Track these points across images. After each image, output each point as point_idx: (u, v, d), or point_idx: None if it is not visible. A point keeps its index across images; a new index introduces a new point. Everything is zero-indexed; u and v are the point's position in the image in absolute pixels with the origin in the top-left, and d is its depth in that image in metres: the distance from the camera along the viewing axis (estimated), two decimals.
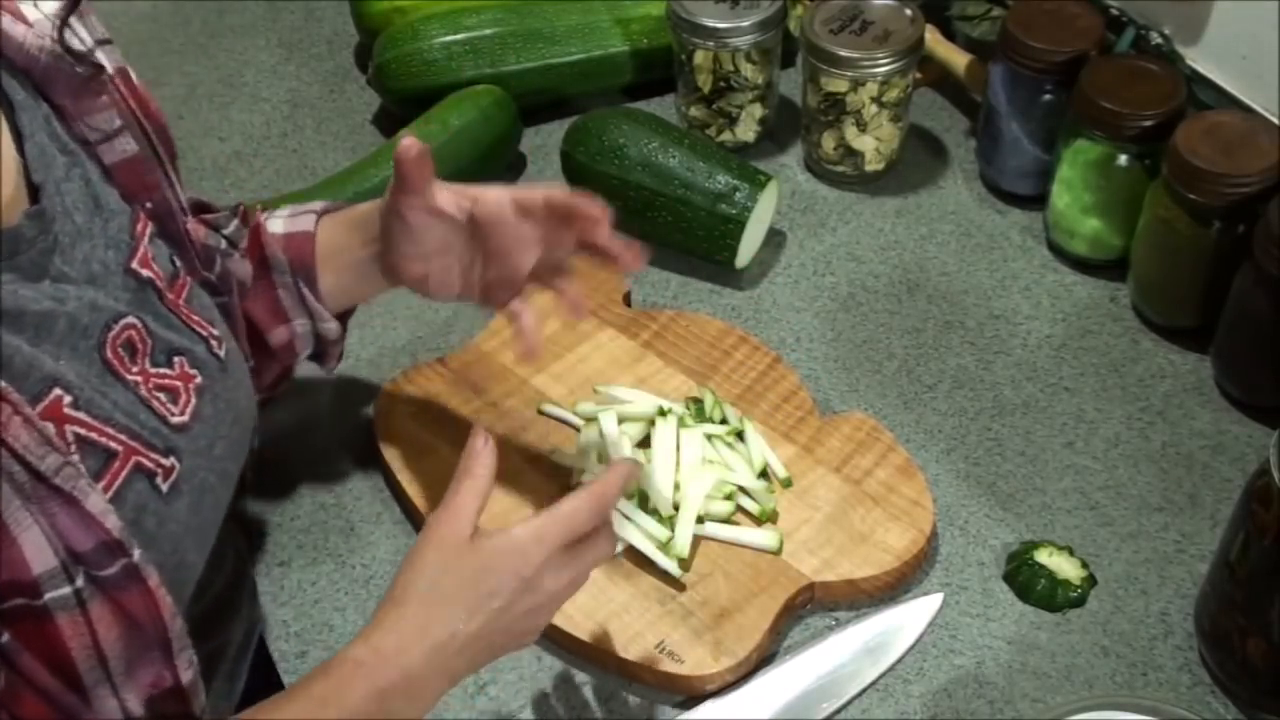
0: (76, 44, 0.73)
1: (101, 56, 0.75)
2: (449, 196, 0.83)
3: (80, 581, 0.63)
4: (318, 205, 0.92)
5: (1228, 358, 1.02)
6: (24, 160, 0.68)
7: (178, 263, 0.78)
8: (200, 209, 0.85)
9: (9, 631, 0.61)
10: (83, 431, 0.66)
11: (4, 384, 0.61)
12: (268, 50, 1.41)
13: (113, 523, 0.64)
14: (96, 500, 0.64)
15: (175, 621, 0.68)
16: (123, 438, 0.68)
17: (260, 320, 0.89)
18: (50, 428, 0.63)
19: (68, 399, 0.66)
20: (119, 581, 0.65)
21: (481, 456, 0.73)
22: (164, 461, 0.70)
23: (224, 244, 0.87)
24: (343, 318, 0.94)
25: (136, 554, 0.65)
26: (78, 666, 0.64)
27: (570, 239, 0.85)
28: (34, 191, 0.68)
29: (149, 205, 0.76)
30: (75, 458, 0.64)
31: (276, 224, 0.90)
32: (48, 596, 0.62)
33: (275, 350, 0.90)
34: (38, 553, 0.61)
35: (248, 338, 0.90)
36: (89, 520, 0.63)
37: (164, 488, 0.70)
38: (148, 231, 0.75)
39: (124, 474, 0.68)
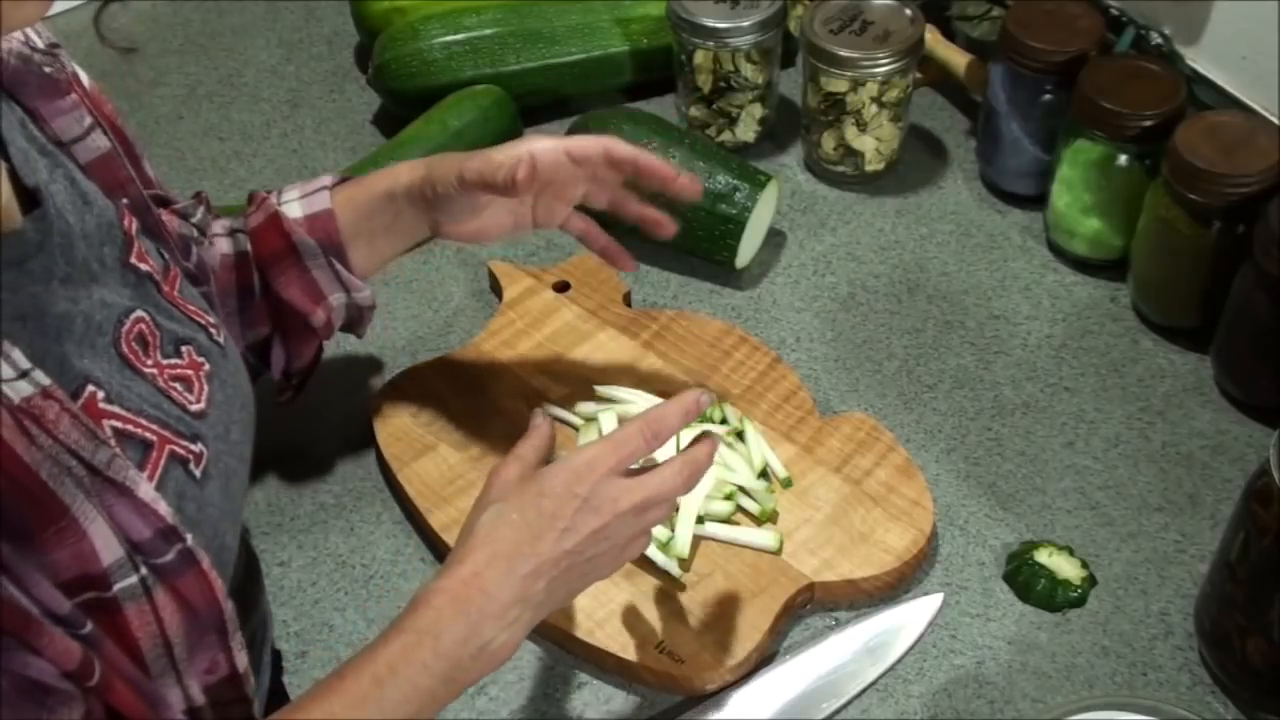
0: (38, 43, 0.73)
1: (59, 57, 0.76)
2: (523, 172, 0.85)
3: (144, 570, 0.64)
4: (325, 180, 0.93)
5: (1228, 358, 1.02)
6: (10, 165, 0.68)
7: (165, 255, 0.79)
8: (162, 202, 0.86)
9: (90, 623, 0.62)
10: (120, 425, 0.67)
11: (49, 382, 0.61)
12: (268, 50, 1.41)
13: (164, 509, 0.65)
14: (147, 489, 0.65)
15: (227, 604, 0.69)
16: (154, 427, 0.69)
17: (300, 305, 0.91)
18: (92, 423, 0.64)
19: (100, 394, 0.66)
20: (176, 567, 0.65)
21: (542, 427, 0.80)
22: (193, 448, 0.71)
23: (195, 233, 0.88)
24: None
25: (189, 538, 0.66)
26: (145, 656, 0.64)
27: (619, 180, 0.93)
28: (26, 196, 0.68)
29: (125, 201, 0.76)
30: (119, 450, 0.64)
31: (294, 209, 0.91)
32: (117, 587, 0.62)
33: (317, 329, 0.93)
34: (105, 544, 0.62)
35: (288, 322, 0.92)
36: (143, 509, 0.64)
37: (197, 473, 0.71)
38: (134, 226, 0.75)
39: (163, 462, 0.68)
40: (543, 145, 0.88)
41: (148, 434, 0.68)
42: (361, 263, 0.93)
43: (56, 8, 0.77)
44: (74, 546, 0.61)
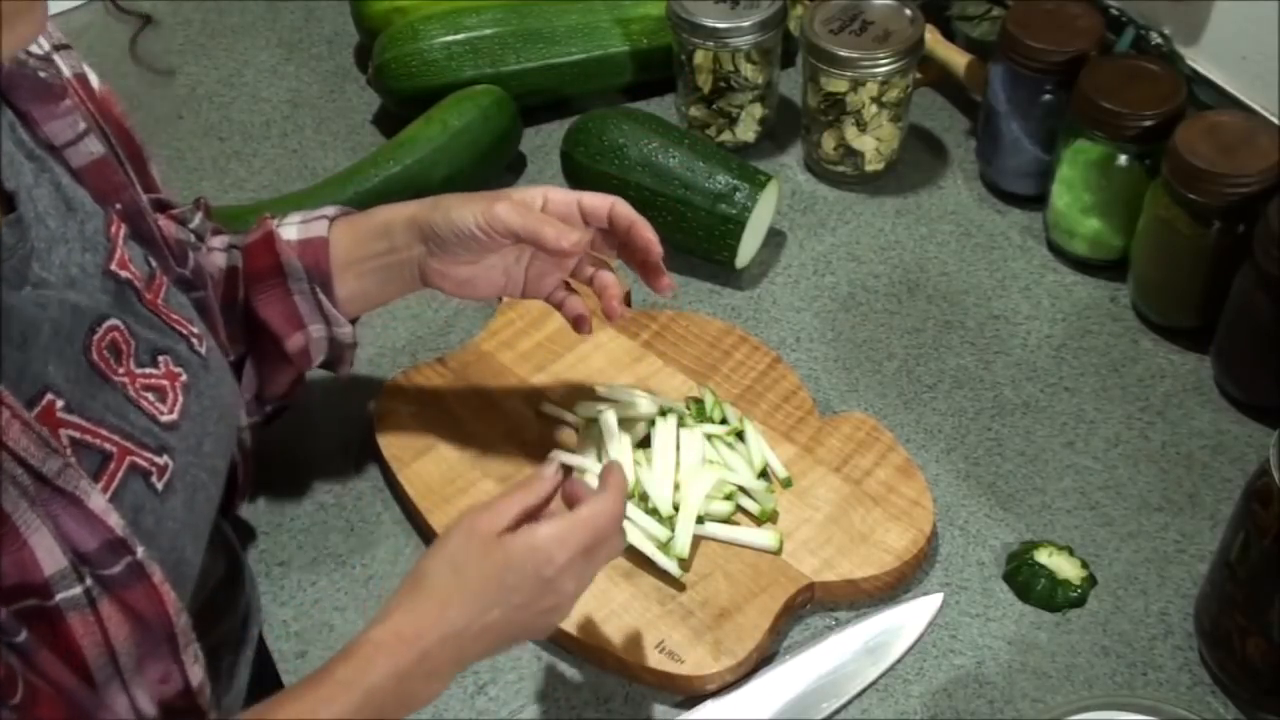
0: (34, 48, 0.73)
1: (59, 60, 0.75)
2: (536, 219, 0.85)
3: (89, 581, 0.63)
4: (329, 211, 0.92)
5: (1228, 358, 1.02)
6: None
7: (153, 263, 0.78)
8: (162, 206, 0.86)
9: (25, 631, 0.61)
10: (77, 434, 0.66)
11: (2, 388, 0.61)
12: (268, 50, 1.41)
13: (115, 521, 0.65)
14: (98, 500, 0.64)
15: (180, 617, 0.68)
16: (116, 438, 0.68)
17: (277, 327, 0.89)
18: (46, 431, 0.63)
19: (60, 403, 0.66)
20: (124, 579, 0.65)
21: (546, 482, 0.78)
22: (157, 460, 0.70)
23: (192, 238, 0.87)
24: (352, 322, 0.94)
25: (140, 551, 0.66)
26: (90, 665, 0.64)
27: (615, 247, 0.91)
28: (6, 199, 0.67)
29: (118, 207, 0.76)
30: (73, 460, 0.64)
31: (290, 230, 0.90)
32: (59, 597, 0.62)
33: (291, 356, 0.90)
34: (48, 554, 0.61)
35: (263, 344, 0.90)
36: (93, 520, 0.64)
37: (159, 486, 0.70)
38: (122, 233, 0.75)
39: (120, 474, 0.68)
40: (557, 192, 0.88)
41: (107, 444, 0.68)
42: (346, 297, 0.90)
43: (58, 6, 0.77)
44: (13, 555, 0.60)
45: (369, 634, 0.71)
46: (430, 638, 0.70)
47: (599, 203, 0.88)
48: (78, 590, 0.63)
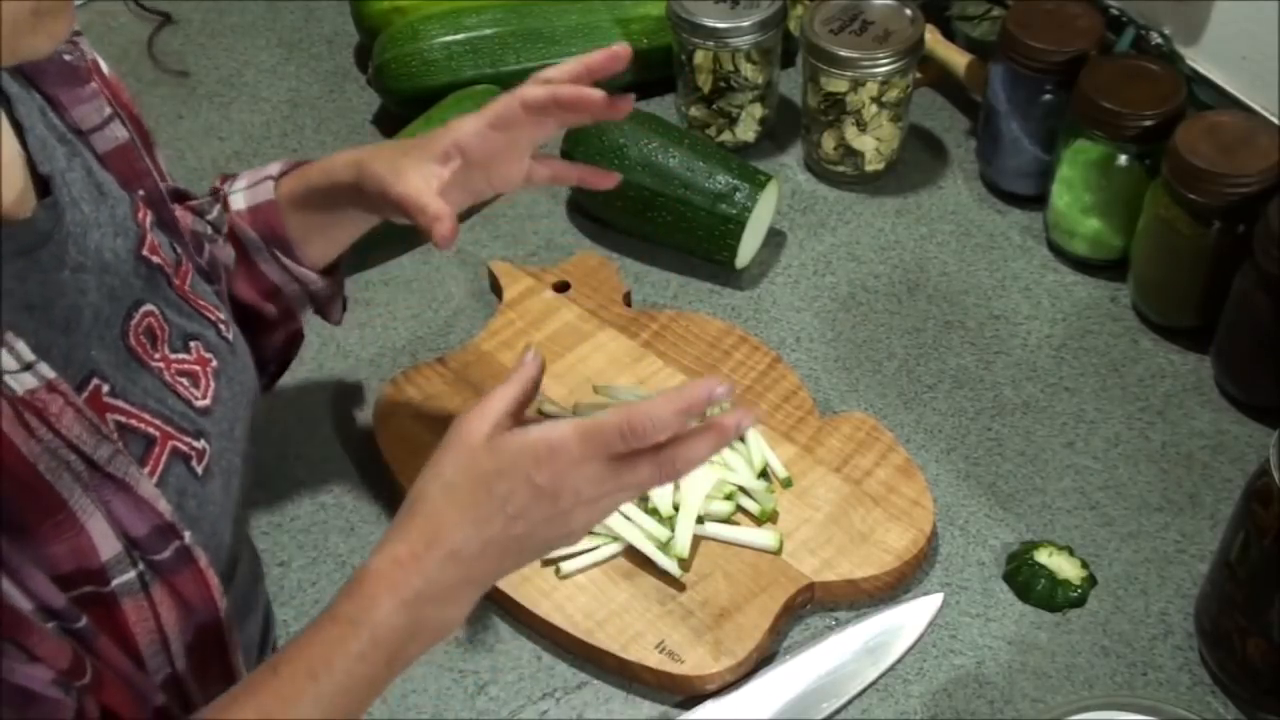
0: None
1: (81, 44, 0.75)
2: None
3: (141, 566, 0.64)
4: (273, 169, 0.90)
5: (1228, 358, 1.02)
6: (27, 153, 0.68)
7: (178, 249, 0.79)
8: (180, 196, 0.86)
9: (84, 617, 0.62)
10: (123, 419, 0.67)
11: (54, 375, 0.61)
12: (268, 50, 1.41)
13: (164, 506, 0.65)
14: (147, 486, 0.64)
15: (223, 602, 0.69)
16: (158, 423, 0.69)
17: (249, 299, 0.89)
18: (96, 417, 0.64)
19: (105, 388, 0.66)
20: (173, 565, 0.65)
21: (527, 368, 0.72)
22: (195, 444, 0.71)
23: (209, 230, 0.87)
24: (333, 270, 0.93)
25: (187, 536, 0.66)
26: (142, 653, 0.64)
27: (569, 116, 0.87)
28: (41, 183, 0.68)
29: (141, 193, 0.76)
30: (122, 446, 0.64)
31: (239, 199, 0.89)
32: (115, 582, 0.62)
33: (273, 321, 0.91)
34: (103, 539, 0.62)
35: (246, 315, 0.90)
36: (142, 505, 0.64)
37: (199, 470, 0.70)
38: (149, 219, 0.75)
39: (164, 458, 0.68)
40: (466, 130, 0.84)
41: (150, 429, 0.68)
42: (318, 254, 0.90)
43: None
44: (71, 541, 0.61)
45: (368, 565, 0.67)
46: (430, 560, 0.66)
47: (507, 110, 0.84)
48: (132, 575, 0.63)
